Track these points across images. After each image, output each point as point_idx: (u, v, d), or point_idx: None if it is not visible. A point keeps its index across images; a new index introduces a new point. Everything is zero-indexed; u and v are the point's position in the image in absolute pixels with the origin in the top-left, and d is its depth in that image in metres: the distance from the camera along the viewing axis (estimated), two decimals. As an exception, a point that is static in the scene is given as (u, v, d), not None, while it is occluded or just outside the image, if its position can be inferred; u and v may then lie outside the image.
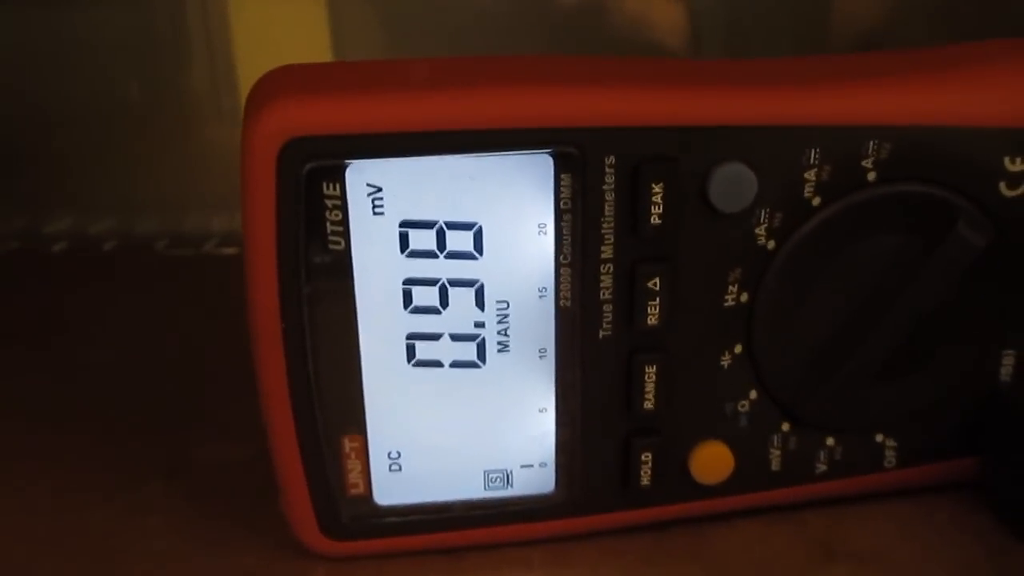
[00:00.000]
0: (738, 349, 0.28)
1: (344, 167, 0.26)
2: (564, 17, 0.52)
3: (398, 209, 0.26)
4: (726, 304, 0.28)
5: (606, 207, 0.26)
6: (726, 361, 0.28)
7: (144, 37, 0.55)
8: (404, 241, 0.27)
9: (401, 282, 0.27)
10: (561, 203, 0.26)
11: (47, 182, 0.57)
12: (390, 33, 0.54)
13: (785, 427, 0.29)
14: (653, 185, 0.26)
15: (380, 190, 0.26)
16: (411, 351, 0.28)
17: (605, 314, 0.27)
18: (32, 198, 0.58)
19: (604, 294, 0.27)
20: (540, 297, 0.28)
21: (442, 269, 0.27)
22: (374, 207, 0.26)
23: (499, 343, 0.28)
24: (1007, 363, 0.30)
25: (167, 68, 0.56)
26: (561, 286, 0.27)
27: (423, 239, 0.27)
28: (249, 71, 0.54)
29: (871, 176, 0.27)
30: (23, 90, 0.56)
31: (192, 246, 0.55)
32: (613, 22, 0.52)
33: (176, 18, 0.55)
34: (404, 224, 0.26)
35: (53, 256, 0.55)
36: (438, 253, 0.27)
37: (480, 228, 0.27)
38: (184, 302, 0.47)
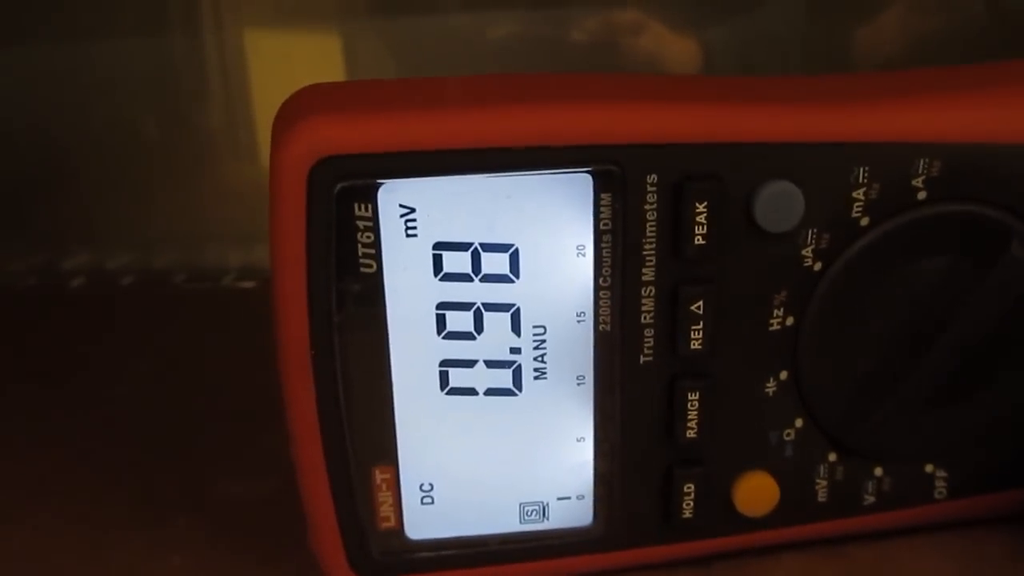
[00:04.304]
0: (783, 375, 0.27)
1: (376, 187, 0.25)
2: (578, 53, 0.52)
3: (431, 231, 0.25)
4: (771, 328, 0.27)
5: (647, 227, 0.25)
6: (771, 388, 0.27)
7: (161, 73, 0.55)
8: (438, 264, 0.26)
9: (434, 306, 0.26)
10: (600, 224, 0.26)
11: (65, 218, 0.57)
12: (406, 68, 0.54)
13: (832, 457, 0.28)
14: (696, 204, 0.25)
15: (413, 211, 0.25)
16: (444, 378, 0.27)
17: (646, 339, 0.26)
18: (50, 234, 0.58)
19: (645, 318, 0.26)
20: (578, 322, 0.27)
21: (477, 293, 0.26)
22: (407, 229, 0.25)
23: (536, 370, 0.27)
24: (1063, 390, 0.29)
25: (184, 104, 0.56)
26: (600, 310, 0.26)
27: (457, 262, 0.26)
28: (266, 107, 0.54)
29: (921, 195, 0.26)
30: (40, 126, 0.56)
31: (210, 280, 0.54)
32: (627, 59, 0.52)
33: (193, 55, 0.55)
34: (438, 246, 0.26)
35: (71, 292, 0.55)
36: (473, 276, 0.26)
37: (516, 250, 0.26)
38: (203, 336, 0.47)
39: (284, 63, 0.54)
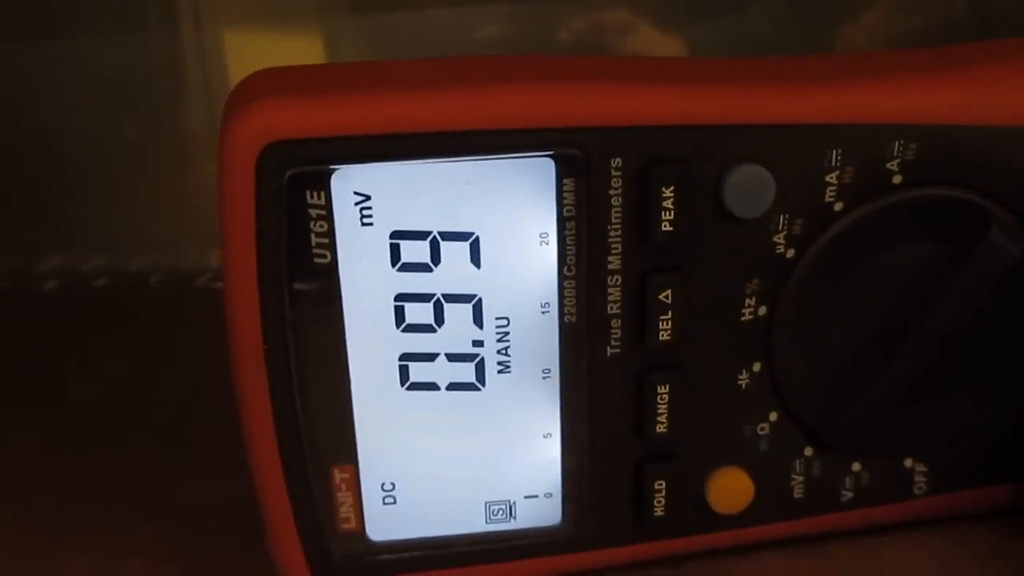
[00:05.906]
0: (757, 367, 0.27)
1: (329, 173, 0.24)
2: (565, 53, 0.52)
3: (388, 219, 0.25)
4: (743, 318, 0.26)
5: (613, 214, 0.25)
6: (744, 380, 0.27)
7: (140, 74, 0.55)
8: (395, 253, 0.25)
9: (392, 298, 0.25)
10: (564, 210, 0.25)
11: (38, 220, 0.57)
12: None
13: (808, 451, 0.28)
14: (663, 189, 0.24)
15: (368, 198, 0.24)
16: (404, 373, 0.26)
17: (613, 330, 0.26)
18: (25, 237, 0.57)
19: (612, 308, 0.25)
20: (543, 312, 0.26)
21: (437, 283, 0.25)
22: (362, 217, 0.24)
23: (499, 363, 0.26)
24: (1045, 381, 0.28)
25: (162, 105, 0.56)
26: (565, 300, 0.26)
27: (416, 251, 0.25)
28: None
29: (897, 179, 0.25)
30: (17, 127, 0.56)
31: (185, 282, 0.53)
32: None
33: (172, 55, 0.55)
34: (395, 235, 0.25)
35: (45, 295, 0.54)
36: (432, 266, 0.25)
37: (477, 238, 0.25)
38: (176, 338, 0.46)
39: (264, 61, 0.53)
